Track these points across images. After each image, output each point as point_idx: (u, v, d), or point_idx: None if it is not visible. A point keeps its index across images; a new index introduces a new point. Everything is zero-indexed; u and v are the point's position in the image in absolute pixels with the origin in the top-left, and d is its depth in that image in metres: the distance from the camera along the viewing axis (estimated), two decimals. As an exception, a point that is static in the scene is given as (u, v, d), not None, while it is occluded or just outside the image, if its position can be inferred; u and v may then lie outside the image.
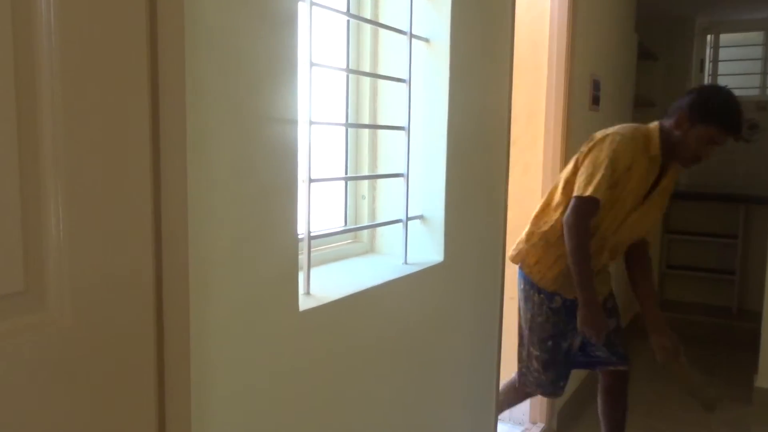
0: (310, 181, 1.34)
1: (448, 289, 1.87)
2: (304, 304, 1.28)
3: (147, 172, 0.89)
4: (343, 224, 1.87)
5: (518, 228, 2.50)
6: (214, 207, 1.03)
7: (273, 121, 1.15)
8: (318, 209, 1.63)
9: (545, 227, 2.34)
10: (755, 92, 5.34)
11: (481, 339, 2.15)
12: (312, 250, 1.40)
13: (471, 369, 2.10)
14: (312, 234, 1.38)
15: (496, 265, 2.20)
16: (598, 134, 2.29)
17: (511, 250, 2.43)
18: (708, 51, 5.43)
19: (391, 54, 1.83)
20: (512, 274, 2.52)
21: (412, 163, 1.79)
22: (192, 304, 0.98)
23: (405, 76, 1.70)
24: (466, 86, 1.87)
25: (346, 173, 1.84)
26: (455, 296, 1.94)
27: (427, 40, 1.77)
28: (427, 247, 1.83)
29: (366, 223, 1.88)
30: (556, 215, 2.30)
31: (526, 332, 2.45)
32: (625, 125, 2.33)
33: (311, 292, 1.38)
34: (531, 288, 2.39)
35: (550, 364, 2.41)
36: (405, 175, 1.72)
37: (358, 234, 1.89)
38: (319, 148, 1.67)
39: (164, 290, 0.94)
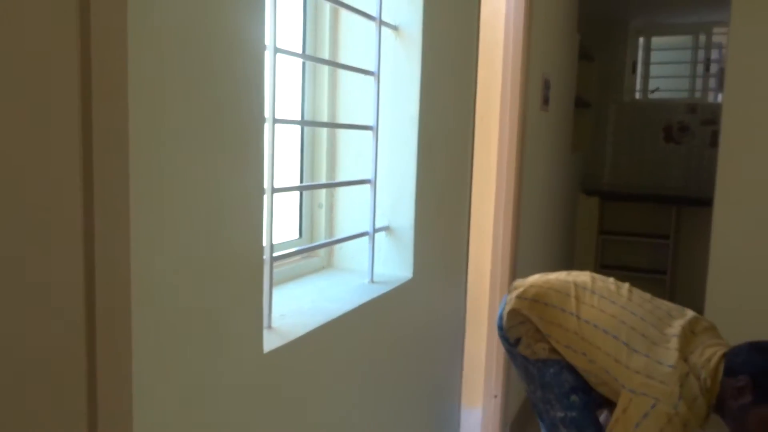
0: (273, 190, 1.11)
1: (417, 309, 1.67)
2: (268, 342, 1.05)
3: (76, 173, 0.64)
4: (298, 236, 1.63)
5: (473, 237, 2.32)
6: (160, 226, 0.79)
7: (234, 118, 0.91)
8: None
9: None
10: (685, 94, 5.45)
11: (447, 362, 1.97)
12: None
13: (436, 394, 1.91)
14: (273, 255, 1.14)
15: (461, 280, 2.02)
16: (672, 357, 1.57)
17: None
18: (640, 53, 5.49)
19: (353, 42, 1.61)
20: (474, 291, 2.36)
21: (379, 168, 1.58)
22: (135, 345, 0.74)
23: (373, 68, 1.48)
24: (437, 81, 1.67)
25: (302, 179, 1.61)
26: (424, 316, 1.74)
27: (396, 28, 1.56)
28: (394, 263, 1.62)
29: (323, 234, 1.66)
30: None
31: (537, 396, 1.81)
32: (688, 382, 1.55)
33: (273, 324, 1.14)
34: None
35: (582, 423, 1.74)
36: (372, 182, 1.51)
37: (313, 247, 1.66)
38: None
39: (98, 339, 0.70)
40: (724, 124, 3.37)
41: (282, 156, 1.57)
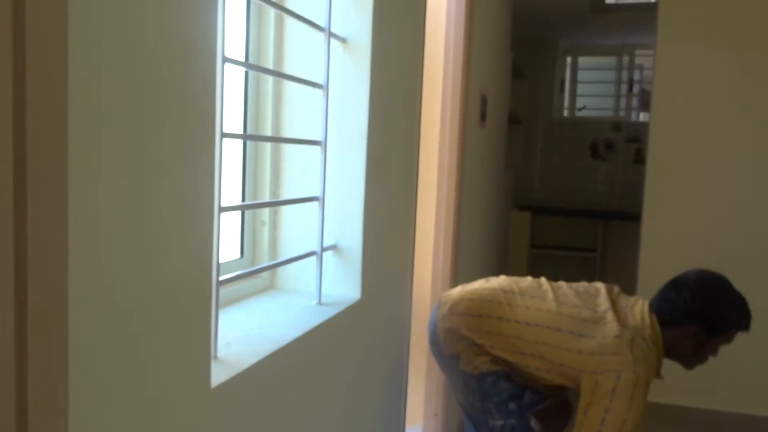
0: (220, 210, 1.02)
1: (365, 331, 1.62)
2: (216, 375, 0.96)
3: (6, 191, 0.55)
4: (239, 256, 1.54)
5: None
6: (96, 249, 0.70)
7: (184, 132, 0.83)
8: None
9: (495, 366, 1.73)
10: (610, 113, 5.66)
11: (392, 382, 1.91)
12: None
13: (382, 415, 1.85)
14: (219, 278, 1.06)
15: (406, 298, 1.97)
16: (612, 332, 1.65)
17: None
18: (568, 72, 5.67)
19: (299, 52, 1.54)
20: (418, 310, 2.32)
21: (326, 185, 1.51)
22: (72, 378, 0.65)
23: (321, 81, 1.42)
24: (386, 96, 1.63)
25: (244, 196, 1.52)
26: (371, 338, 1.68)
27: (344, 40, 1.51)
28: (342, 283, 1.56)
29: (266, 254, 1.57)
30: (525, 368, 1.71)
31: (476, 407, 1.81)
32: (636, 345, 1.64)
33: (219, 354, 1.06)
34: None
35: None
36: (320, 199, 1.44)
37: (255, 265, 1.57)
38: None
39: (29, 378, 0.60)
40: (651, 142, 3.50)
41: (224, 172, 1.49)
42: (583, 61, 5.71)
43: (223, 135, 1.01)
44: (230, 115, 1.50)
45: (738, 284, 3.30)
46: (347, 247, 1.54)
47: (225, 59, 1.01)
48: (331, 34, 1.43)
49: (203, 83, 0.86)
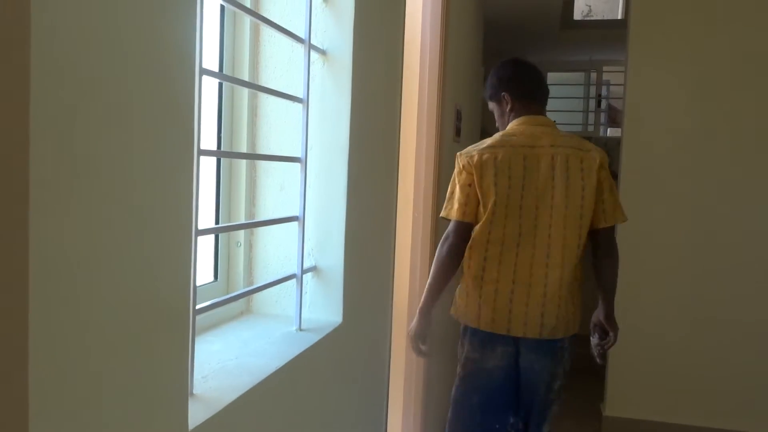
0: (197, 233, 0.94)
1: (347, 357, 1.54)
2: (193, 414, 0.88)
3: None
4: (213, 279, 1.46)
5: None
6: (67, 275, 0.61)
7: (161, 149, 0.75)
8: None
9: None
10: (579, 128, 5.69)
11: (372, 408, 1.84)
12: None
13: (362, 444, 1.77)
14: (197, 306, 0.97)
15: (386, 320, 1.90)
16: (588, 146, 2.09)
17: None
18: (537, 88, 5.70)
19: (275, 65, 1.47)
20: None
21: (306, 203, 1.44)
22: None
23: (301, 94, 1.36)
24: (367, 110, 1.57)
25: (218, 216, 1.44)
26: (353, 364, 1.60)
27: (324, 53, 1.44)
28: (322, 307, 1.48)
29: (242, 277, 1.49)
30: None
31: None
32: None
33: (196, 390, 0.97)
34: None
35: None
36: (300, 219, 1.37)
37: (230, 289, 1.49)
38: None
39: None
40: (623, 158, 3.51)
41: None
42: (551, 77, 5.75)
43: (201, 152, 0.94)
44: (204, 130, 1.43)
45: (713, 297, 3.28)
46: (328, 269, 1.47)
47: (203, 71, 0.94)
48: (311, 46, 1.37)
49: (181, 96, 0.78)
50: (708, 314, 3.41)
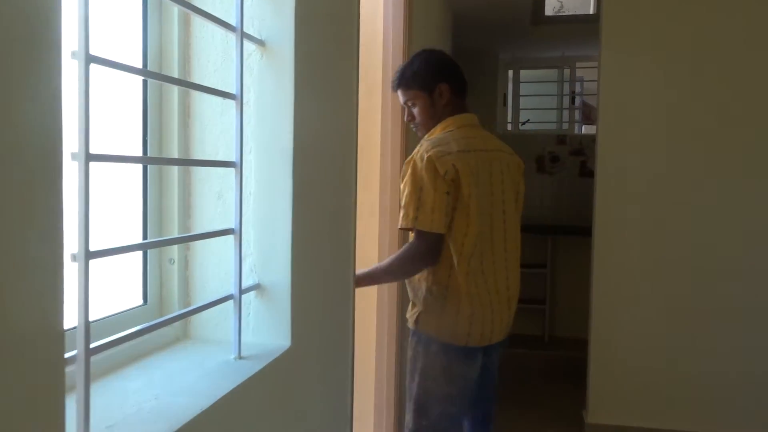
0: (88, 255, 0.78)
1: (297, 386, 1.37)
2: (80, 483, 0.71)
3: None
4: (142, 302, 1.29)
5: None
6: None
7: (10, 153, 0.58)
8: (100, 284, 1.05)
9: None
10: (554, 126, 5.60)
11: (332, 433, 1.67)
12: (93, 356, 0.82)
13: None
14: (92, 344, 0.80)
15: (346, 341, 1.74)
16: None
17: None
18: (510, 86, 5.59)
19: (208, 60, 1.31)
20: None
21: (245, 213, 1.28)
22: None
23: (234, 90, 1.19)
24: (315, 109, 1.41)
25: (146, 230, 1.27)
26: (306, 393, 1.44)
27: (262, 43, 1.28)
28: (267, 329, 1.31)
29: (176, 298, 1.32)
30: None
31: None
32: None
33: (93, 447, 0.80)
34: None
35: None
36: (236, 231, 1.20)
37: (164, 312, 1.32)
38: (100, 195, 1.10)
39: None
40: (598, 156, 3.39)
41: (117, 203, 1.23)
42: (524, 74, 5.64)
43: (90, 157, 0.77)
44: (128, 132, 1.26)
45: (692, 299, 3.17)
46: (273, 286, 1.30)
47: (90, 58, 0.77)
48: (244, 35, 1.20)
49: (41, 87, 0.61)
50: (688, 317, 3.31)
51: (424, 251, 1.95)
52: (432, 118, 2.10)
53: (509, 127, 5.65)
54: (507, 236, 2.04)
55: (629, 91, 3.33)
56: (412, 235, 2.00)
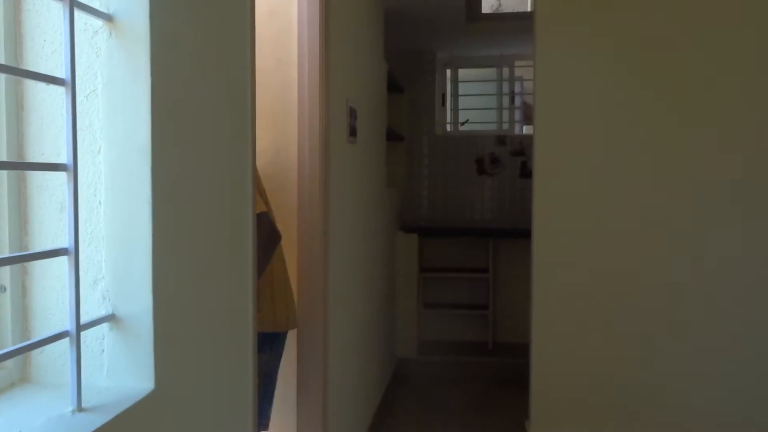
0: None
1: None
2: None
3: None
4: (-38, 341, 1.03)
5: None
6: None
7: None
8: None
9: None
10: (494, 126, 5.47)
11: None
12: None
13: None
14: None
15: (245, 370, 1.50)
16: None
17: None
18: (449, 85, 5.44)
19: (45, 40, 1.07)
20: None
21: (94, 228, 1.04)
22: None
23: (64, 74, 0.95)
24: (183, 99, 1.17)
25: (-38, 249, 1.01)
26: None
27: (110, 18, 1.04)
28: (125, 369, 1.07)
29: (10, 333, 1.07)
30: None
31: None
32: None
33: None
34: None
35: None
36: (71, 250, 0.96)
37: (-3, 352, 1.06)
38: None
39: None
40: (536, 156, 3.25)
41: None
42: (463, 73, 5.50)
43: None
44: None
45: (631, 295, 3.05)
46: (131, 317, 1.06)
47: None
48: (81, 6, 0.96)
49: None
50: (629, 320, 3.20)
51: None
52: None
53: (449, 127, 5.50)
54: None
55: (565, 88, 3.20)
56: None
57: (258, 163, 2.45)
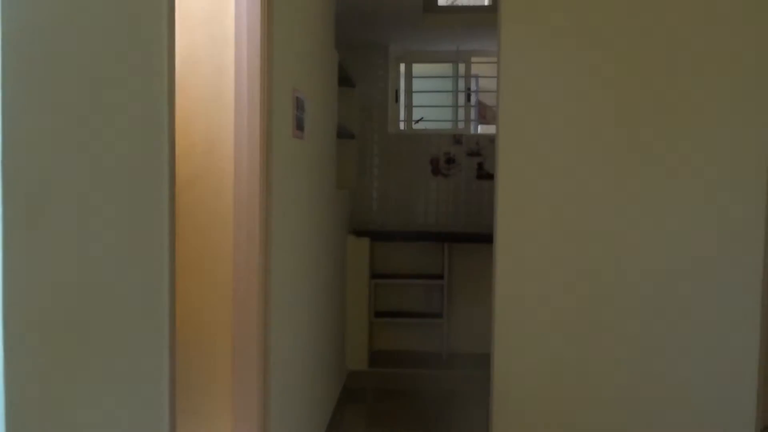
0: None
1: None
2: None
3: None
4: None
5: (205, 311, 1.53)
6: None
7: None
8: None
9: None
10: (449, 125, 5.23)
11: None
12: None
13: None
14: None
15: (160, 417, 1.18)
16: None
17: None
18: (402, 81, 5.17)
19: None
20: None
21: None
22: None
23: None
24: (56, 74, 0.85)
25: None
26: None
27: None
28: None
29: None
30: None
31: None
32: None
33: None
34: None
35: None
36: None
37: None
38: None
39: None
40: (499, 157, 3.01)
41: None
42: (417, 69, 5.24)
43: None
44: None
45: (597, 298, 2.81)
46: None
47: None
48: None
49: None
50: (594, 327, 2.99)
51: None
52: None
53: (402, 126, 5.23)
54: None
55: (529, 86, 2.98)
56: None
57: (187, 161, 2.11)
